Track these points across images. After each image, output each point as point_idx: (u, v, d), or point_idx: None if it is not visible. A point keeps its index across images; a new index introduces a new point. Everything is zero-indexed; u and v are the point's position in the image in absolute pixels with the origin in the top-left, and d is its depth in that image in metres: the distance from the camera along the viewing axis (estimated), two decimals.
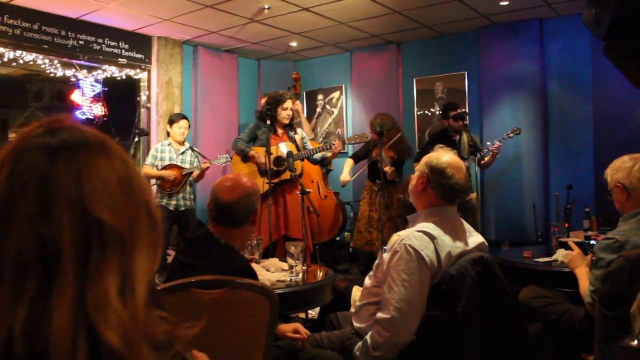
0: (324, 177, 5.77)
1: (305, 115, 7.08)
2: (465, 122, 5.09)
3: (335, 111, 7.29)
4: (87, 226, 0.62)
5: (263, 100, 5.62)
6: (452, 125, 5.13)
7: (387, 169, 4.94)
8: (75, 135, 0.68)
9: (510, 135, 5.01)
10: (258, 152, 4.79)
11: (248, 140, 4.92)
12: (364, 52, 6.90)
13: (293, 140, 4.83)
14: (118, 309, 0.61)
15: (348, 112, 7.19)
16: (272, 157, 4.57)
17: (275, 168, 4.64)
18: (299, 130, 4.98)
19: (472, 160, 4.98)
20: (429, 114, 6.49)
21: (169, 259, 4.90)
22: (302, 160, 4.80)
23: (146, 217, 0.69)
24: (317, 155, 4.87)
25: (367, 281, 2.24)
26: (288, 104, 4.79)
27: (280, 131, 4.85)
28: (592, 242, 3.14)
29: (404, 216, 2.63)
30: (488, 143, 5.06)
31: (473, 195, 5.12)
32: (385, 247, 2.13)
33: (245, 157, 4.88)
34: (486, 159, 5.02)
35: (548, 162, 5.78)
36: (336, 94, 7.29)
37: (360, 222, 5.24)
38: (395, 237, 2.84)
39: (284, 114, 4.77)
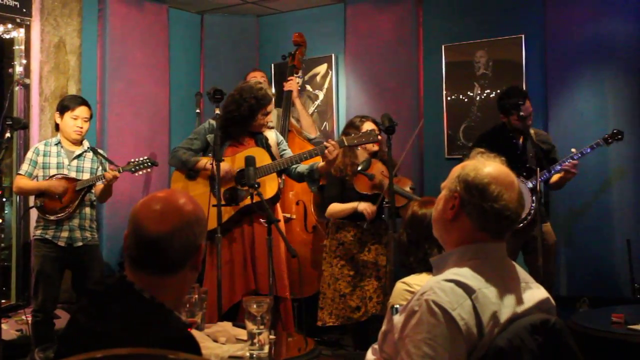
0: (316, 197, 5.79)
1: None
2: (521, 114, 5.09)
3: (321, 95, 7.35)
4: None
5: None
6: (515, 124, 5.18)
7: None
8: None
9: (607, 141, 5.02)
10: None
11: (195, 151, 4.94)
12: (366, 4, 6.98)
13: (264, 145, 4.84)
14: None
15: (340, 97, 7.25)
16: (230, 167, 4.64)
17: (239, 187, 4.67)
18: (270, 133, 4.97)
19: (548, 172, 5.04)
20: (466, 99, 6.56)
21: (59, 323, 4.90)
22: (279, 174, 4.80)
23: None
24: (302, 167, 4.86)
25: (370, 357, 2.28)
26: (272, 106, 4.89)
27: (246, 139, 4.88)
28: None
29: (404, 262, 2.69)
30: (573, 150, 5.04)
31: (547, 228, 5.20)
32: (397, 306, 2.17)
33: (192, 171, 4.90)
34: (556, 176, 5.09)
35: None
36: (322, 69, 7.34)
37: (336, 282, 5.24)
38: (401, 285, 2.88)
39: (263, 121, 4.85)
